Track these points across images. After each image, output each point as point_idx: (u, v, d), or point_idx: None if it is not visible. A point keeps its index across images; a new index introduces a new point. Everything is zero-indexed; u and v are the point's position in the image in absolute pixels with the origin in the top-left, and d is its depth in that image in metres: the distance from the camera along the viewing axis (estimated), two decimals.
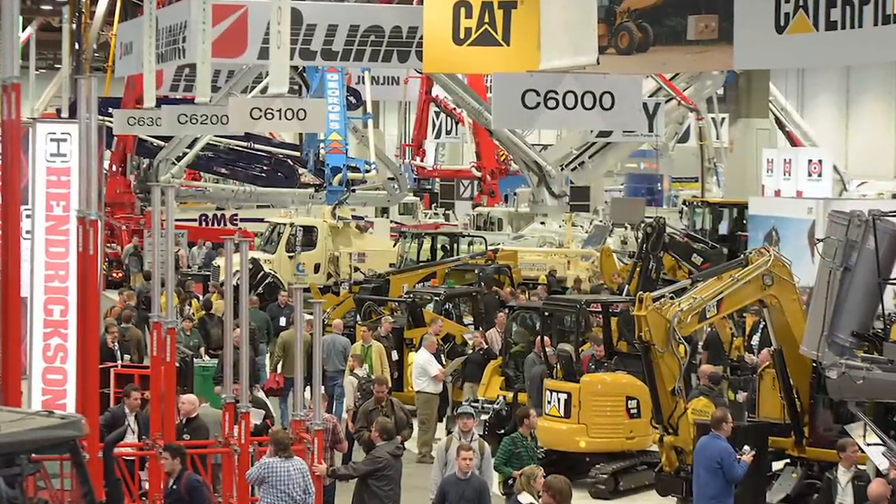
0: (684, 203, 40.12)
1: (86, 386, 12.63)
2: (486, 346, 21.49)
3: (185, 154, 42.88)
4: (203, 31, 21.69)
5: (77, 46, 51.55)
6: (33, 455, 9.24)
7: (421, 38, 20.79)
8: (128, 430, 15.13)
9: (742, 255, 16.78)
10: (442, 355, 21.38)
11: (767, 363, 16.74)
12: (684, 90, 37.53)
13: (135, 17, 36.98)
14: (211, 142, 42.86)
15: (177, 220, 32.97)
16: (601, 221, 39.10)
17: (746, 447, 14.57)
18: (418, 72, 43.50)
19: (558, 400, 18.21)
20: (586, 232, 38.77)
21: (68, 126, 16.27)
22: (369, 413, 16.27)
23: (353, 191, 39.43)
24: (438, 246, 35.73)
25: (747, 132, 39.19)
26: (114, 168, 46.21)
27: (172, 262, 15.16)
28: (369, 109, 43.64)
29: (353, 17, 23.38)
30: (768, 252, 16.33)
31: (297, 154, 43.92)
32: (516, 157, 38.20)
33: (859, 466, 14.14)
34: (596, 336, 19.71)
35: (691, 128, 42.53)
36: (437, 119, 54.33)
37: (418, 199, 51.96)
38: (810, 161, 34.50)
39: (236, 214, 43.63)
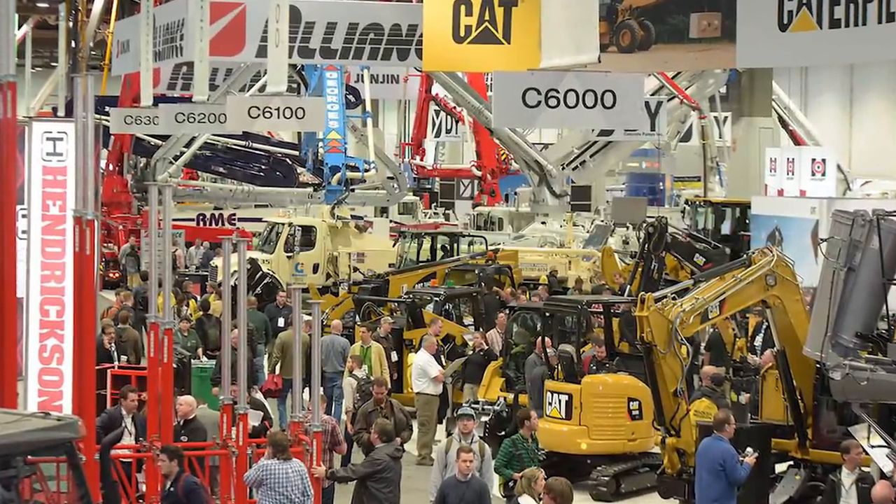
0: (686, 202, 40.02)
1: (82, 387, 12.61)
2: (486, 347, 21.39)
3: (182, 153, 42.81)
4: (201, 29, 21.60)
5: (73, 44, 51.46)
6: (29, 457, 9.20)
7: (420, 35, 20.68)
8: (125, 431, 15.06)
9: (745, 256, 16.65)
10: (442, 356, 21.27)
11: (770, 364, 16.64)
12: (686, 88, 37.44)
13: (132, 15, 36.79)
14: (209, 141, 42.79)
15: (174, 219, 32.91)
16: (603, 221, 39.03)
17: (749, 449, 14.50)
18: (418, 70, 43.46)
19: (559, 401, 18.10)
20: (587, 232, 38.70)
21: (64, 125, 16.27)
22: (368, 415, 16.21)
23: (353, 190, 39.34)
24: (438, 246, 35.68)
25: (750, 131, 39.11)
26: (110, 167, 46.16)
27: (170, 262, 15.05)
28: (368, 108, 43.59)
29: (352, 14, 23.30)
30: (771, 252, 16.24)
31: (296, 153, 43.85)
32: (517, 157, 38.09)
33: (863, 468, 14.04)
34: (597, 337, 19.60)
35: (693, 127, 42.40)
36: (437, 118, 54.27)
37: (418, 198, 51.92)
38: (814, 160, 34.40)
39: (234, 214, 43.55)
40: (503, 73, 18.32)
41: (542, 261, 34.65)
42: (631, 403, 18.09)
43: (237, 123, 22.49)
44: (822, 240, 14.53)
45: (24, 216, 15.60)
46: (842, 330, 13.94)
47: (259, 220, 41.02)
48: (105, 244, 40.62)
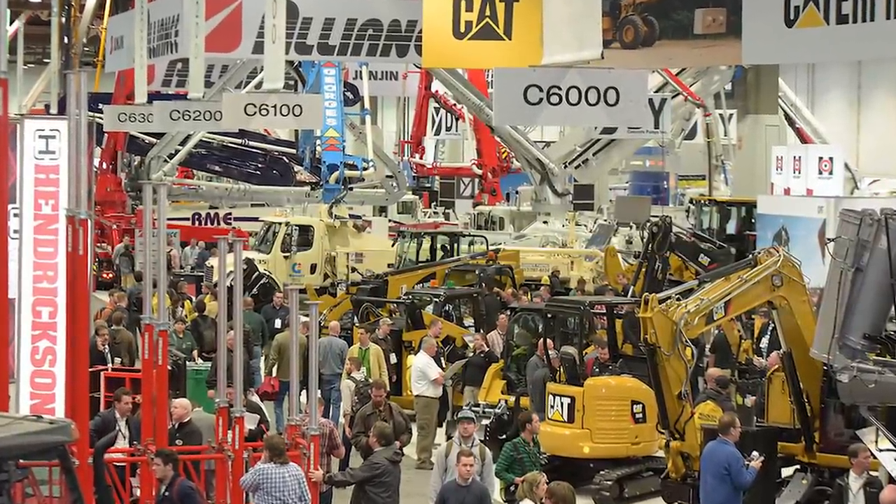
0: (691, 202, 40.01)
1: (75, 390, 12.60)
2: (487, 349, 21.31)
3: (177, 151, 42.65)
4: (196, 25, 21.44)
5: (66, 41, 51.45)
6: (21, 461, 9.18)
7: (420, 31, 20.61)
8: (118, 435, 15.02)
9: (751, 256, 16.64)
10: (442, 358, 21.16)
11: (776, 366, 16.66)
12: (691, 85, 37.41)
13: (126, 11, 36.75)
14: (204, 139, 42.64)
15: (169, 219, 32.47)
16: (606, 220, 38.83)
17: (755, 453, 14.50)
18: (417, 66, 43.37)
19: (561, 404, 18.00)
20: (590, 231, 38.51)
21: (57, 122, 16.23)
22: (367, 418, 16.18)
23: (351, 189, 39.17)
24: (438, 246, 35.64)
25: (756, 129, 39.08)
26: (104, 165, 46.15)
27: (164, 262, 14.96)
28: (367, 105, 43.43)
29: (351, 10, 23.23)
30: (777, 252, 16.21)
31: (293, 151, 43.72)
32: (518, 155, 38.05)
33: (871, 472, 14.02)
34: (600, 338, 19.52)
35: (698, 124, 42.41)
36: (437, 115, 54.24)
37: (417, 197, 51.79)
38: (821, 158, 34.43)
39: (230, 213, 43.46)
40: (504, 69, 18.27)
41: (544, 261, 34.49)
42: (634, 406, 17.98)
43: (233, 121, 22.25)
44: (829, 239, 14.48)
45: (15, 215, 15.57)
46: (849, 331, 13.90)
47: (255, 219, 40.89)
48: (98, 244, 40.40)
